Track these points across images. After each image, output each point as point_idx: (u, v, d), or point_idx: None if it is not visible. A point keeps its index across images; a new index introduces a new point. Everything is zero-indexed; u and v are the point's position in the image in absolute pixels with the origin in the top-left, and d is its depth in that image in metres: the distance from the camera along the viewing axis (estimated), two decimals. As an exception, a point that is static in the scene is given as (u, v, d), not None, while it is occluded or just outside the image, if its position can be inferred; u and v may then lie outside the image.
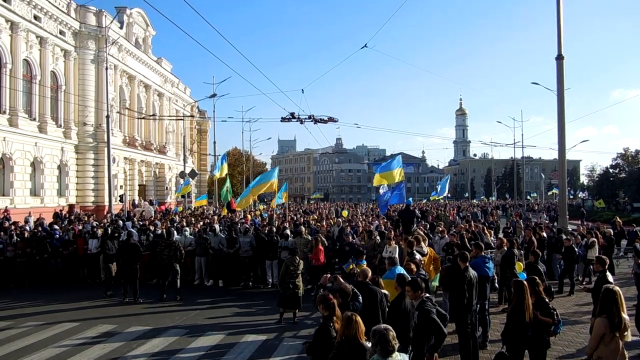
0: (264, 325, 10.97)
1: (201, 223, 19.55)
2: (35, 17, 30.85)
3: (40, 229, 18.60)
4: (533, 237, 14.73)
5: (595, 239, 15.77)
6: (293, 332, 10.25)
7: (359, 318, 5.04)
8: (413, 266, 8.86)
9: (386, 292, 7.65)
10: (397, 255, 11.61)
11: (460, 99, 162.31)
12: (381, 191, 23.36)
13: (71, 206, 33.47)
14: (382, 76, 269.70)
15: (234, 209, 26.25)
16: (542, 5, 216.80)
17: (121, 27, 40.41)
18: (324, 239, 15.05)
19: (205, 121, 65.19)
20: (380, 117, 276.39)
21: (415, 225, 16.16)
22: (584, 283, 15.33)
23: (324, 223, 20.80)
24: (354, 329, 4.92)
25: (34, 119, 31.17)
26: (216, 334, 10.09)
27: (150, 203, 37.94)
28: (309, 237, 15.16)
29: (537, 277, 7.27)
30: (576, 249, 14.72)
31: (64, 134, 34.25)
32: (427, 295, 6.53)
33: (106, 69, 31.45)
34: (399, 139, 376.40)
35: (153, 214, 30.05)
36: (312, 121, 21.21)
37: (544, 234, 16.69)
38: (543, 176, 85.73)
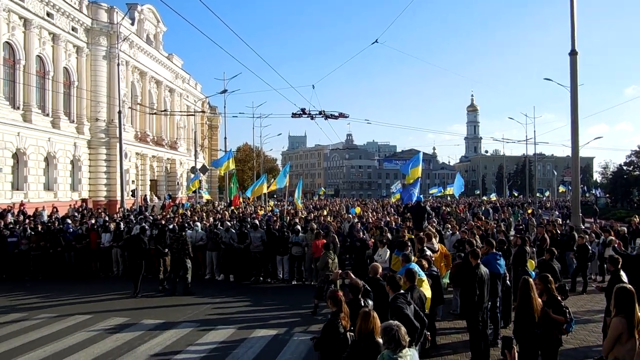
0: (274, 320, 11.01)
1: (212, 218, 19.64)
2: (48, 14, 31.10)
3: (55, 221, 18.80)
4: (546, 235, 14.61)
5: (612, 237, 15.59)
6: (303, 327, 10.27)
7: (375, 314, 5.05)
8: (424, 262, 8.83)
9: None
10: (387, 259, 11.67)
11: (472, 95, 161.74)
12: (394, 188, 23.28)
13: (84, 201, 33.80)
14: (393, 72, 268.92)
15: (237, 205, 26.40)
16: (555, 1, 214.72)
17: (132, 24, 40.64)
18: (334, 235, 15.07)
19: (216, 117, 65.42)
20: (391, 113, 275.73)
21: (426, 221, 16.11)
22: (596, 282, 15.19)
23: (330, 218, 20.84)
24: (372, 324, 4.93)
25: (47, 115, 31.49)
26: (226, 328, 10.15)
27: (159, 198, 38.25)
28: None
29: (549, 275, 7.20)
30: (589, 247, 14.58)
31: (77, 130, 34.57)
32: (401, 291, 6.49)
33: (118, 65, 31.61)
34: (409, 135, 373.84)
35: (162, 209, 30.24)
36: (322, 117, 21.19)
37: (558, 231, 16.54)
38: (555, 173, 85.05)
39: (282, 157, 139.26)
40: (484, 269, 8.43)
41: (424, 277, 7.86)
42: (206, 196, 36.67)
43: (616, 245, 15.21)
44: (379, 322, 5.02)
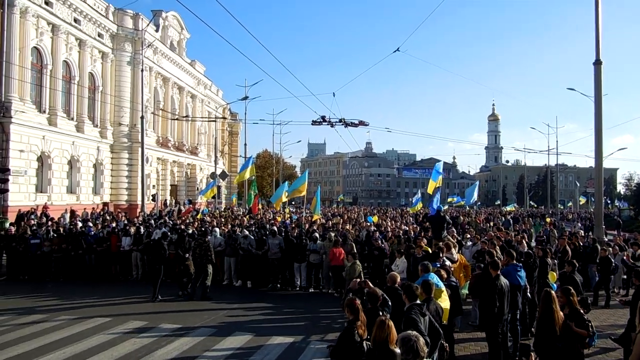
0: (291, 327, 10.98)
1: (230, 225, 19.74)
2: (75, 20, 31.73)
3: (77, 224, 19.11)
4: (567, 247, 14.36)
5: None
6: (320, 335, 10.23)
7: (391, 323, 5.02)
8: (443, 273, 8.74)
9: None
10: (404, 270, 11.59)
11: (493, 105, 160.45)
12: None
13: (105, 204, 34.27)
14: (414, 81, 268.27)
15: (256, 212, 26.48)
16: (579, 10, 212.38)
17: (157, 30, 41.24)
18: (352, 243, 15.05)
19: (237, 123, 65.92)
20: (412, 122, 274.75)
21: (445, 231, 15.98)
22: (619, 295, 14.88)
23: (349, 226, 20.79)
24: (386, 332, 4.89)
25: (72, 119, 32.04)
26: (243, 334, 10.15)
27: (177, 203, 38.60)
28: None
29: (571, 288, 7.07)
30: (612, 260, 14.30)
31: (100, 134, 35.10)
32: (418, 302, 6.41)
33: (142, 70, 32.13)
34: (429, 144, 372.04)
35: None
36: (342, 125, 21.20)
37: (580, 243, 16.26)
38: (578, 184, 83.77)
39: (301, 164, 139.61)
40: (504, 280, 8.32)
41: (443, 288, 7.78)
42: (234, 200, 36.25)
43: (624, 257, 14.90)
44: (395, 331, 4.98)
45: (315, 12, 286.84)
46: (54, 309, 12.14)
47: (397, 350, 4.73)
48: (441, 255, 10.67)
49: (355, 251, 14.16)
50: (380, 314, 6.23)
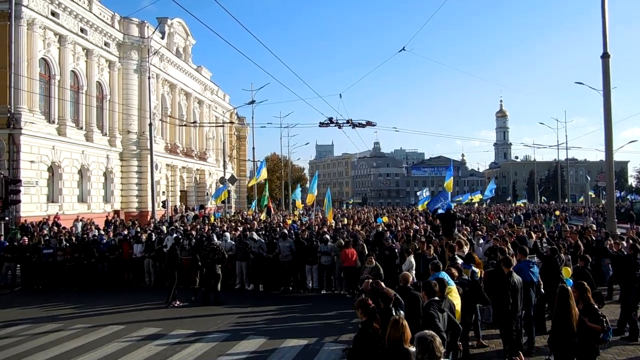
0: (305, 329, 10.99)
1: (241, 228, 19.80)
2: (82, 30, 31.99)
3: (90, 233, 19.25)
4: (579, 242, 14.26)
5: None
6: (334, 337, 10.23)
7: (405, 322, 5.02)
8: (455, 271, 8.70)
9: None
10: (413, 272, 11.51)
11: (501, 101, 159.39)
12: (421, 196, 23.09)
13: (116, 212, 34.48)
14: (420, 79, 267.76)
15: (274, 213, 26.62)
16: (585, 4, 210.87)
17: (162, 37, 41.48)
18: (363, 243, 15.04)
19: (244, 127, 66.08)
20: (419, 121, 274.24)
21: (456, 229, 15.93)
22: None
23: (359, 227, 20.79)
24: (400, 331, 4.89)
25: (81, 128, 32.29)
26: (257, 338, 10.17)
27: (187, 209, 38.76)
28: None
29: (585, 283, 7.03)
30: (625, 254, 14.14)
31: (109, 142, 35.34)
32: (436, 298, 6.41)
33: (149, 78, 32.30)
34: (437, 142, 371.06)
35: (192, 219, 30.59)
36: (350, 126, 21.21)
37: (593, 238, 16.12)
38: (589, 178, 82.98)
39: (309, 166, 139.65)
40: (516, 277, 8.29)
41: (453, 286, 7.76)
42: (251, 210, 35.85)
43: (608, 245, 14.59)
44: (409, 331, 4.98)
45: (321, 15, 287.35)
46: (69, 318, 12.24)
47: (412, 349, 4.72)
48: (449, 253, 10.64)
49: (367, 252, 14.17)
50: (394, 313, 6.23)
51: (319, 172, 64.64)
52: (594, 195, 71.43)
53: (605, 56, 16.69)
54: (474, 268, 9.27)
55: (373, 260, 12.11)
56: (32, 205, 26.82)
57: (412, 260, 12.40)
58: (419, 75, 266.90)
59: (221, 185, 38.04)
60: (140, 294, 15.36)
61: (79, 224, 26.02)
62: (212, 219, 26.84)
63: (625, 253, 14.21)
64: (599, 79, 17.19)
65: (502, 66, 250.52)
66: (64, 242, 17.47)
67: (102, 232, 19.17)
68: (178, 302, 13.46)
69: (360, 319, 5.99)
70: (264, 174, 28.93)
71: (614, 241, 14.65)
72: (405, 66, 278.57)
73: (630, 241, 15.41)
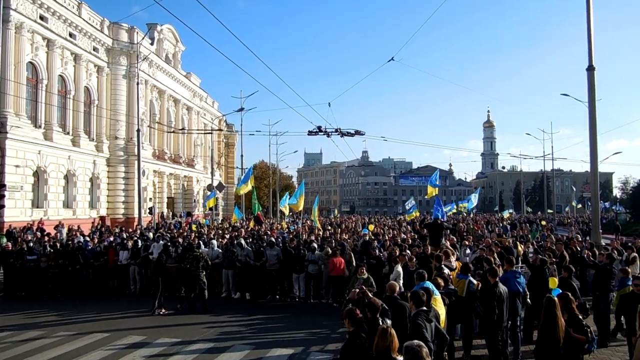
0: (291, 339, 10.93)
1: (228, 236, 19.70)
2: (71, 35, 31.85)
3: (76, 239, 19.04)
4: (565, 252, 14.37)
5: (636, 254, 15.26)
6: (320, 347, 10.19)
7: (393, 331, 5.02)
8: (441, 281, 8.73)
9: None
10: (401, 281, 11.45)
11: (488, 111, 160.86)
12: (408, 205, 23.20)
13: (102, 218, 34.18)
14: (409, 89, 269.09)
15: (262, 221, 26.53)
16: (571, 16, 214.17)
17: (152, 43, 41.40)
18: (351, 252, 15.03)
19: (233, 135, 65.99)
20: (407, 130, 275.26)
21: (443, 238, 15.98)
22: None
23: (346, 236, 20.81)
24: (388, 340, 4.90)
25: (68, 133, 32.07)
26: (243, 347, 10.09)
27: (174, 216, 38.52)
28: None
29: (570, 294, 7.09)
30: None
31: (96, 148, 35.11)
32: (424, 308, 6.43)
33: (137, 84, 32.17)
34: (425, 152, 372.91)
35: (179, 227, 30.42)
36: (338, 134, 21.24)
37: (578, 248, 16.26)
38: (574, 189, 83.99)
39: (297, 174, 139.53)
40: (502, 288, 8.34)
41: (438, 296, 7.78)
42: (235, 217, 35.48)
43: (585, 255, 14.74)
44: (397, 340, 4.99)
45: (310, 24, 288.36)
46: (52, 325, 12.06)
47: (400, 358, 4.73)
48: (436, 263, 10.65)
49: (355, 261, 14.15)
50: (381, 323, 6.23)
51: (307, 181, 64.61)
52: (579, 206, 72.25)
53: (590, 69, 16.91)
54: (471, 279, 9.26)
55: (364, 271, 12.01)
56: (16, 210, 26.53)
57: (400, 269, 12.39)
58: (408, 85, 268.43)
59: (209, 193, 37.88)
60: (126, 301, 15.18)
61: (64, 230, 25.74)
62: (194, 227, 26.66)
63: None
64: (584, 90, 17.35)
65: (489, 77, 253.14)
66: (48, 248, 17.27)
67: (88, 239, 18.94)
68: (163, 310, 13.36)
69: (347, 329, 5.98)
70: (251, 182, 28.71)
71: (598, 252, 14.80)
72: (394, 76, 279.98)
73: (615, 251, 15.63)
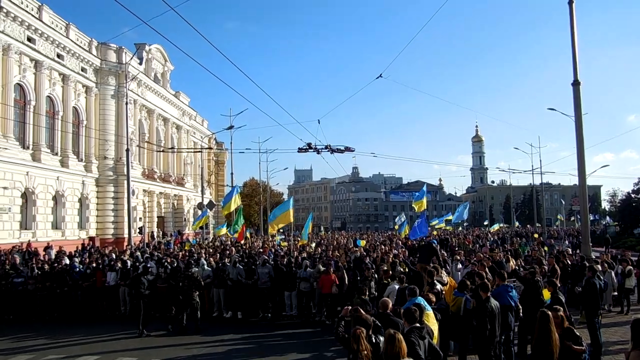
0: (284, 357, 10.84)
1: (219, 255, 19.53)
2: (59, 56, 31.82)
3: (63, 260, 18.79)
4: (556, 266, 14.41)
5: (631, 267, 15.36)
6: (313, 365, 10.11)
7: (401, 336, 4.98)
8: (432, 297, 8.70)
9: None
10: (390, 294, 11.38)
11: (477, 126, 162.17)
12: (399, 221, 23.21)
13: (91, 239, 33.83)
14: (397, 105, 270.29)
15: (241, 240, 26.33)
16: (557, 32, 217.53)
17: (140, 63, 41.46)
18: (343, 270, 14.95)
19: (223, 153, 65.93)
20: (397, 146, 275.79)
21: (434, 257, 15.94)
22: (611, 314, 14.92)
23: (338, 252, 20.72)
24: (398, 347, 4.86)
25: (56, 154, 31.87)
26: (236, 367, 10.00)
27: (164, 235, 38.20)
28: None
29: (560, 307, 7.10)
30: (601, 277, 14.32)
31: (85, 168, 34.89)
32: (417, 325, 6.41)
33: (126, 103, 32.10)
34: (415, 167, 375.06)
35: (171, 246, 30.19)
36: (328, 151, 21.26)
37: (569, 262, 16.32)
38: (563, 202, 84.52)
39: (288, 191, 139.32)
40: (494, 302, 8.33)
41: (430, 311, 7.76)
42: (221, 230, 35.11)
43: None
44: (405, 344, 4.95)
45: (299, 42, 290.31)
46: (41, 349, 11.87)
47: None
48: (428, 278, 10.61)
49: (346, 278, 14.09)
50: (373, 340, 6.19)
51: (297, 197, 64.43)
52: (564, 219, 73.02)
53: (575, 84, 17.14)
54: (468, 297, 9.22)
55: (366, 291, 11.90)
56: (4, 233, 26.25)
57: (395, 287, 12.35)
58: (396, 101, 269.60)
59: (200, 212, 37.59)
60: (115, 323, 14.97)
61: (53, 252, 25.41)
62: (187, 245, 26.41)
63: (603, 277, 14.44)
64: (570, 104, 17.55)
65: (477, 92, 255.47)
66: (36, 270, 17.02)
67: (76, 261, 18.68)
68: (145, 332, 13.15)
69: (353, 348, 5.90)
70: (234, 202, 27.61)
71: (589, 265, 14.84)
72: (382, 93, 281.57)
73: (605, 264, 15.72)
